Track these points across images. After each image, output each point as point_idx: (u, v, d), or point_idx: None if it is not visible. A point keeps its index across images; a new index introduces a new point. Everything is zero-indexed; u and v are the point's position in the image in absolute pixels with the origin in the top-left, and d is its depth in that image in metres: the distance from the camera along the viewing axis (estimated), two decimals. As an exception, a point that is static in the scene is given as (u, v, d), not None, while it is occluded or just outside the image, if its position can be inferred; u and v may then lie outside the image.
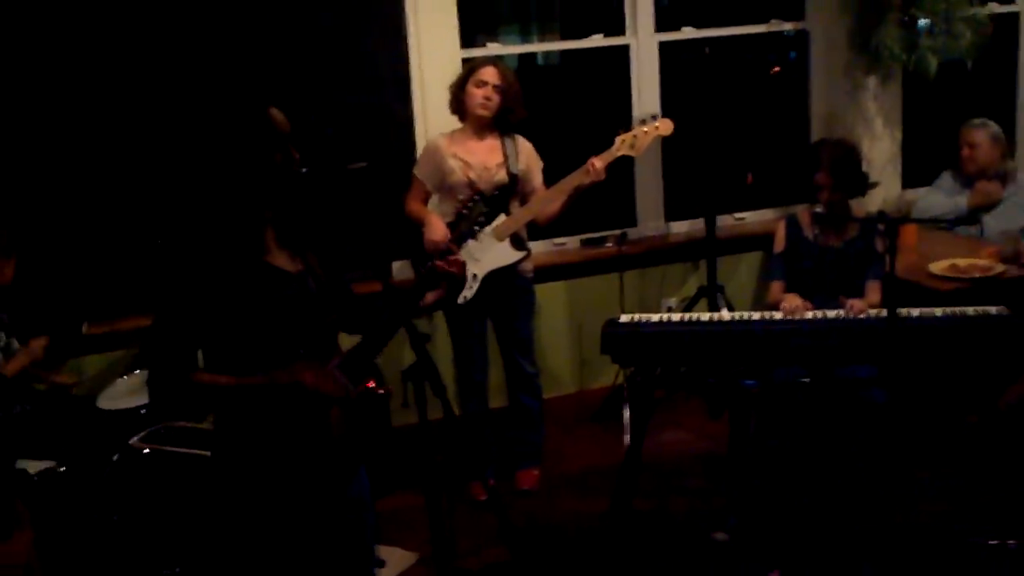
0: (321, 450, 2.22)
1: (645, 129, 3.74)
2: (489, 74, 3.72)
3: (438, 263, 2.35)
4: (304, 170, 2.18)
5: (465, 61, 4.19)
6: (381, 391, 2.32)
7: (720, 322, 3.46)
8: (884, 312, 3.18)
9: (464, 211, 3.72)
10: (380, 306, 2.35)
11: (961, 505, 3.62)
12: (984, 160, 4.60)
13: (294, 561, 2.28)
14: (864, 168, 4.00)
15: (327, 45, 4.25)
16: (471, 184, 3.74)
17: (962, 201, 4.59)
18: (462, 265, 2.37)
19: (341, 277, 2.37)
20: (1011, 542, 3.30)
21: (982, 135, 4.62)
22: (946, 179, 4.80)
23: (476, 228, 3.70)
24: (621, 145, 3.72)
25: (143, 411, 3.58)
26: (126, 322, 4.14)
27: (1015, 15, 5.37)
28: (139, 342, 3.99)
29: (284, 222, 2.20)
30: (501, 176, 3.77)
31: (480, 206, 3.68)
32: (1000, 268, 3.96)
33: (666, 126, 3.78)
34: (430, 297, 2.98)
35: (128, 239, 4.13)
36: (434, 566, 3.28)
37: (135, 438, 3.35)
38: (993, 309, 3.38)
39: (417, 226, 3.80)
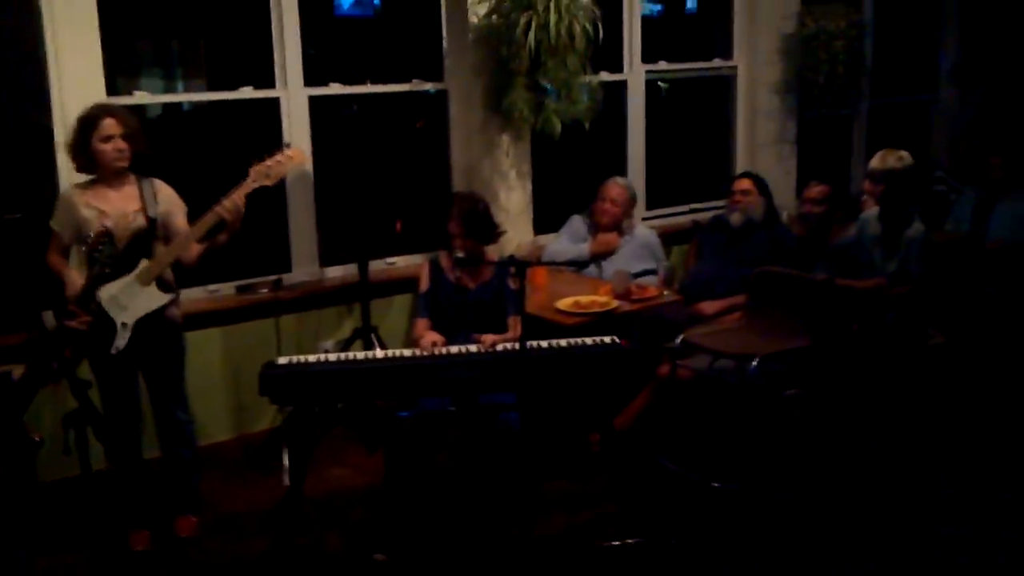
0: None
1: (279, 159, 3.82)
2: (111, 126, 3.66)
3: (66, 322, 2.34)
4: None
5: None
6: (37, 438, 2.30)
7: (374, 359, 3.68)
8: (517, 344, 3.56)
9: (95, 253, 3.63)
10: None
11: (588, 513, 4.06)
12: (618, 214, 5.21)
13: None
14: (496, 217, 4.43)
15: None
16: (108, 233, 3.65)
17: (584, 248, 5.17)
18: (88, 323, 2.37)
19: None
20: (630, 540, 3.80)
21: (623, 193, 5.23)
22: (576, 223, 5.36)
23: (107, 270, 3.60)
24: (257, 176, 3.78)
25: None
26: None
27: (623, 83, 6.14)
28: None
29: None
30: (139, 222, 3.72)
31: (109, 247, 3.57)
32: (615, 304, 4.48)
33: (298, 154, 3.89)
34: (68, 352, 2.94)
35: None
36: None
37: None
38: (608, 339, 3.78)
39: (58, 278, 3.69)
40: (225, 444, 4.89)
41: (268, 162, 3.81)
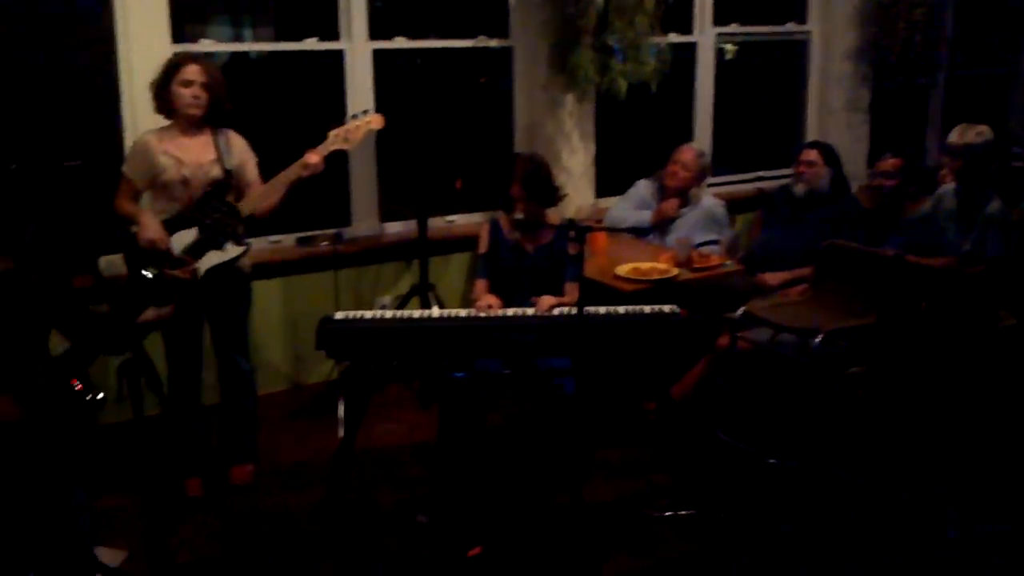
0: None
1: (358, 123, 3.83)
2: (194, 72, 3.69)
3: (167, 271, 2.34)
4: (13, 167, 2.13)
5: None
6: (100, 396, 2.30)
7: (430, 318, 3.67)
8: (575, 309, 3.51)
9: (209, 222, 3.67)
10: (101, 316, 2.32)
11: (639, 481, 4.03)
12: (688, 180, 5.11)
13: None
14: (557, 179, 4.36)
15: (31, 40, 4.04)
16: (185, 181, 3.70)
17: (646, 216, 5.08)
18: (194, 272, 2.36)
19: (60, 275, 2.33)
20: (681, 512, 3.76)
21: (695, 161, 5.12)
22: (642, 187, 5.26)
23: (221, 239, 3.66)
24: (335, 139, 3.79)
25: None
26: None
27: (693, 44, 6.00)
28: None
29: None
30: (216, 172, 3.75)
31: (226, 217, 3.62)
32: (675, 272, 4.41)
33: (377, 120, 3.88)
34: (151, 314, 2.97)
35: None
36: (147, 562, 3.28)
37: None
38: (667, 308, 3.73)
39: (129, 222, 3.73)
40: (281, 394, 4.94)
41: (347, 126, 3.82)
